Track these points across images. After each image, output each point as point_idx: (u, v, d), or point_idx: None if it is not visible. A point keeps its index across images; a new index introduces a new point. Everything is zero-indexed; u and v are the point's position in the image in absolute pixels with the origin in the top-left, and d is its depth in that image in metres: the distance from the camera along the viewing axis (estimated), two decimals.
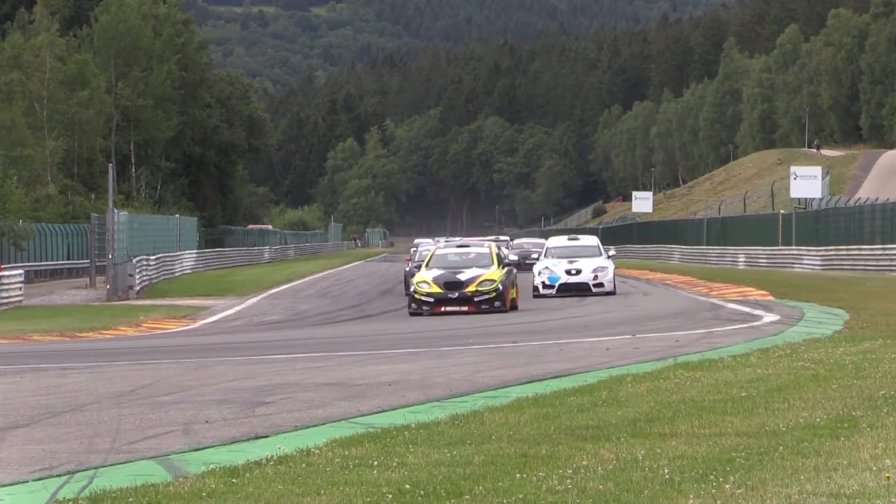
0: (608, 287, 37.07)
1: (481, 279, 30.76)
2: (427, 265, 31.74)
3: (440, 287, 30.63)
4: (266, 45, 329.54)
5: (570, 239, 40.54)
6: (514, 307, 31.82)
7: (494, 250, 32.29)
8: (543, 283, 37.09)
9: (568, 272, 37.09)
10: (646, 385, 13.34)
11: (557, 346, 20.02)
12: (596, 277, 37.06)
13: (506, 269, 31.54)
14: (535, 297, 36.49)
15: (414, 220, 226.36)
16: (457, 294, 30.56)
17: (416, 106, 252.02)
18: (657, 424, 10.48)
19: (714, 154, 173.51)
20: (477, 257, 31.88)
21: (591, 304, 35.64)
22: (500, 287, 30.70)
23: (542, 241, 64.82)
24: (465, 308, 30.45)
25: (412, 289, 31.40)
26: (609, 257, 38.24)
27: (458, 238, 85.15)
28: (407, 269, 42.24)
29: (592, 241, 39.90)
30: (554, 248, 39.05)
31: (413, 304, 30.92)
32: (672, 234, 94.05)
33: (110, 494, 7.92)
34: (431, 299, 30.59)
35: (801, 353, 16.61)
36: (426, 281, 30.89)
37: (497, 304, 30.57)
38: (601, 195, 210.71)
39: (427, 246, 47.25)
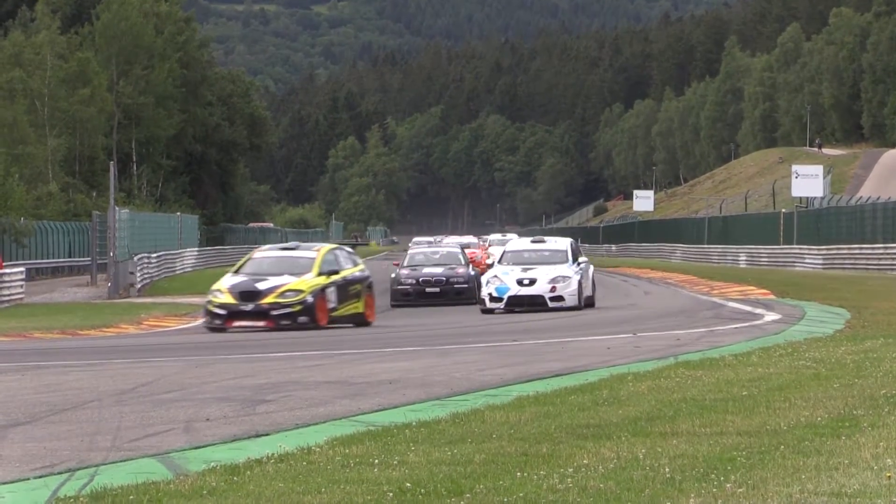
0: (570, 301, 30.57)
1: (284, 289, 25.71)
2: (237, 270, 26.93)
3: (235, 297, 25.67)
4: (267, 43, 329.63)
5: (533, 241, 34.15)
6: (362, 323, 27.17)
7: (323, 255, 26.96)
8: (491, 294, 30.82)
9: (520, 282, 30.77)
10: (647, 384, 13.33)
11: (558, 344, 20.03)
12: (554, 289, 30.63)
13: (331, 277, 26.42)
14: (483, 311, 30.82)
15: (415, 218, 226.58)
16: (252, 306, 25.58)
17: (417, 104, 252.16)
18: (658, 423, 10.48)
19: (715, 153, 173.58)
20: (295, 262, 26.73)
21: None
22: (310, 299, 25.68)
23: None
24: (261, 323, 25.49)
25: (207, 298, 26.47)
26: (580, 264, 31.68)
27: (439, 236, 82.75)
28: (393, 275, 38.20)
29: (562, 244, 33.24)
30: (511, 252, 32.88)
31: (207, 317, 26.04)
32: (673, 232, 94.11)
33: (111, 492, 7.92)
34: (224, 311, 25.65)
35: (803, 352, 16.60)
36: (220, 289, 25.98)
37: (302, 319, 25.58)
38: (602, 194, 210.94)
39: (419, 248, 43.70)
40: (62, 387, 14.63)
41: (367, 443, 9.74)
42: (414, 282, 37.15)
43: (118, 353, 20.74)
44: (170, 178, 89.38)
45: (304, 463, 8.88)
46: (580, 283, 30.96)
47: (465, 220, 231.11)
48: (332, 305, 26.38)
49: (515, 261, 31.89)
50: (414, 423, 10.69)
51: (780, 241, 67.56)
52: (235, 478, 8.35)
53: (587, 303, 31.53)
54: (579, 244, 35.76)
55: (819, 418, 10.51)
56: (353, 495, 7.71)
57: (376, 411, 11.91)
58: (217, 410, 12.05)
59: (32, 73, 72.20)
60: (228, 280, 26.38)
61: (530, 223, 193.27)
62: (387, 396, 13.05)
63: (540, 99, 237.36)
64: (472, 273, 38.02)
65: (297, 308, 25.60)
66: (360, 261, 29.01)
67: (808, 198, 78.47)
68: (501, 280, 30.89)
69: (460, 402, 12.47)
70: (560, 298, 30.60)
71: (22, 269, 41.97)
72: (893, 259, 51.66)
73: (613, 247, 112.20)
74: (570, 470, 8.32)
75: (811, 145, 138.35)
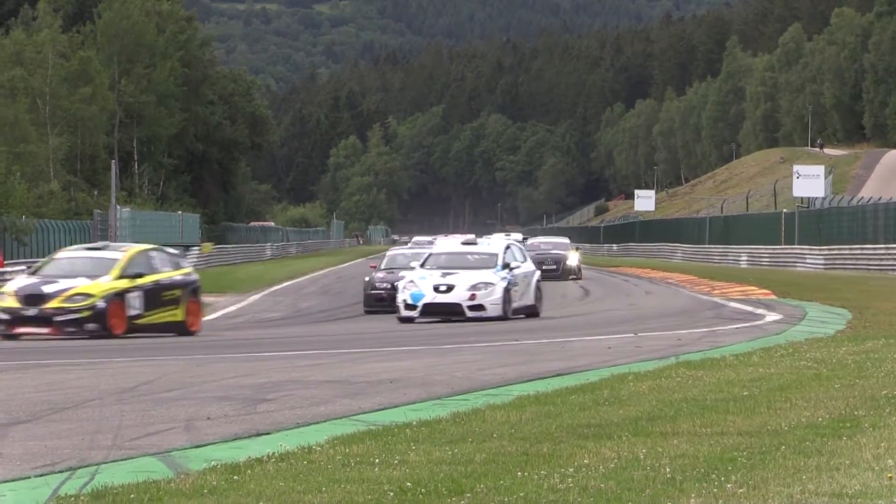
0: (492, 311, 27.75)
1: (72, 293, 23.36)
2: (34, 271, 24.74)
3: (19, 301, 23.49)
4: (269, 42, 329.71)
5: (464, 243, 31.06)
6: (183, 332, 24.81)
7: (129, 256, 24.50)
8: (405, 301, 28.14)
9: (436, 288, 28.03)
10: (648, 383, 13.33)
11: (559, 344, 20.03)
12: (473, 297, 27.84)
13: (136, 281, 23.97)
14: (399, 321, 28.13)
15: (416, 217, 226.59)
16: (35, 311, 23.36)
17: (418, 103, 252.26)
18: (659, 423, 10.48)
19: (717, 153, 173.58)
20: (97, 263, 24.24)
21: (591, 302, 35.68)
22: (101, 304, 23.33)
23: (564, 240, 57.91)
24: (45, 330, 23.47)
25: None
26: (511, 270, 28.49)
27: (429, 236, 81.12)
28: (367, 279, 34.48)
29: (494, 248, 29.79)
30: (436, 255, 29.77)
31: None
32: (674, 232, 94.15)
33: (112, 491, 7.92)
34: (7, 316, 23.51)
35: (804, 353, 16.60)
36: (7, 292, 23.91)
37: (91, 326, 23.35)
38: (603, 193, 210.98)
39: (399, 249, 39.71)
40: (63, 385, 14.62)
41: (368, 442, 9.73)
42: (388, 286, 32.83)
43: (119, 352, 20.74)
44: (171, 176, 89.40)
45: (305, 462, 8.88)
46: (506, 291, 28.09)
47: (467, 219, 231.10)
48: (134, 312, 24.04)
49: (438, 264, 28.95)
50: (414, 423, 10.69)
51: (782, 241, 67.57)
52: (236, 477, 8.35)
53: (528, 312, 29.05)
54: (524, 246, 32.80)
55: (820, 419, 10.51)
56: (354, 494, 7.70)
57: (377, 410, 11.91)
58: (218, 409, 12.04)
59: (34, 71, 72.16)
60: (18, 282, 24.44)
61: (531, 223, 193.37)
62: (387, 395, 13.04)
63: (541, 98, 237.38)
64: None
65: (86, 314, 23.32)
66: (185, 264, 26.89)
67: (809, 198, 78.45)
68: (417, 286, 28.19)
69: (461, 401, 12.47)
70: (480, 307, 27.84)
71: (23, 267, 41.96)
72: (895, 259, 51.66)
73: (615, 246, 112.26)
74: (571, 470, 8.32)
75: (813, 145, 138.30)
